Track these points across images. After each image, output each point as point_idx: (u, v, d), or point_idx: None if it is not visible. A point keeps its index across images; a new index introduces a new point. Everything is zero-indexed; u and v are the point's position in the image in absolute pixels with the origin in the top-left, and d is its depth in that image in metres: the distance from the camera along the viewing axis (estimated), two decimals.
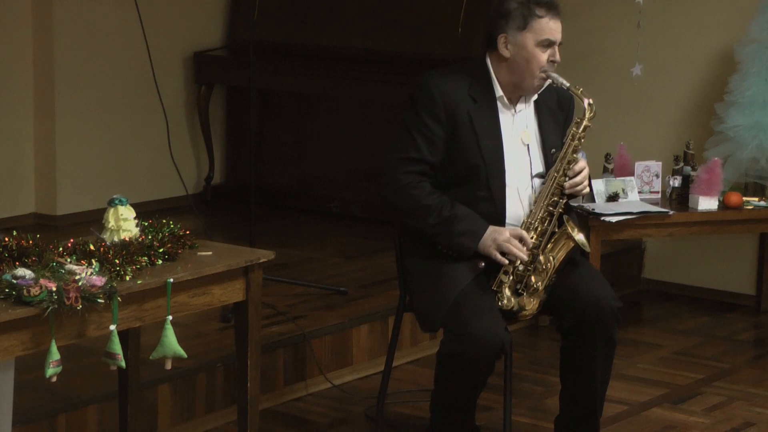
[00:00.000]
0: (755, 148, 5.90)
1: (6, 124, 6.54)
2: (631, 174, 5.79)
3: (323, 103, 7.07)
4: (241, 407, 3.95)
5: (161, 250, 3.67)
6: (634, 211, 5.53)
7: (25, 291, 3.20)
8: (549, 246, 4.06)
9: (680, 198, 5.82)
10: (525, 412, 4.80)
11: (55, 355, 3.24)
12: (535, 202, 4.09)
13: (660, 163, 5.86)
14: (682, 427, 4.70)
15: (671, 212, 5.61)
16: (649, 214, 5.56)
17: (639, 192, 5.76)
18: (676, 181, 5.84)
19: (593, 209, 5.50)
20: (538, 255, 4.04)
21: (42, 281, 3.22)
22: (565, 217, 4.08)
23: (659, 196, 5.84)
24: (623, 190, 5.69)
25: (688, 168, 5.81)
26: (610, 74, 6.50)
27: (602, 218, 5.44)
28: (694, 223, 5.69)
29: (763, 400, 5.00)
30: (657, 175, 5.84)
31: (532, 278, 4.04)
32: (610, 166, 5.86)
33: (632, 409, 4.88)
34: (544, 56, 4.04)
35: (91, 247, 3.52)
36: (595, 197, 5.61)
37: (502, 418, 4.22)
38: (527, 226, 4.06)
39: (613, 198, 5.66)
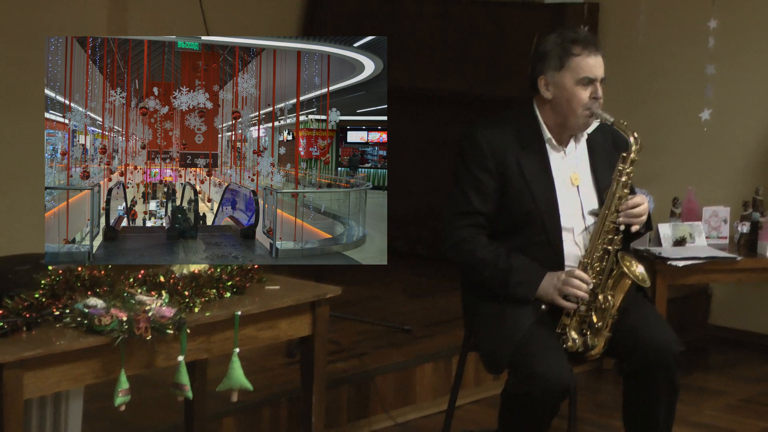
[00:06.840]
0: None
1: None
2: (699, 219, 5.76)
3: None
4: None
5: (229, 283, 3.71)
6: (702, 256, 5.49)
7: (96, 320, 3.25)
8: (609, 283, 4.05)
9: (748, 244, 5.76)
10: None
11: (124, 384, 3.29)
12: (590, 240, 4.07)
13: (728, 208, 5.82)
14: None
15: (739, 258, 5.56)
16: (716, 260, 5.52)
17: (707, 237, 5.72)
18: (744, 227, 5.79)
19: (660, 253, 5.47)
20: (598, 294, 4.03)
21: (113, 311, 3.28)
22: (620, 253, 4.06)
23: (727, 241, 5.79)
24: (690, 234, 5.66)
25: (757, 214, 5.76)
26: (679, 118, 6.47)
27: (669, 262, 5.40)
28: (762, 270, 5.63)
29: None
30: (725, 221, 5.79)
31: (594, 318, 4.03)
32: (678, 210, 5.82)
33: None
34: (585, 94, 4.03)
35: (161, 278, 3.56)
36: (662, 241, 5.58)
37: None
38: (584, 266, 4.04)
39: (680, 242, 5.62)
